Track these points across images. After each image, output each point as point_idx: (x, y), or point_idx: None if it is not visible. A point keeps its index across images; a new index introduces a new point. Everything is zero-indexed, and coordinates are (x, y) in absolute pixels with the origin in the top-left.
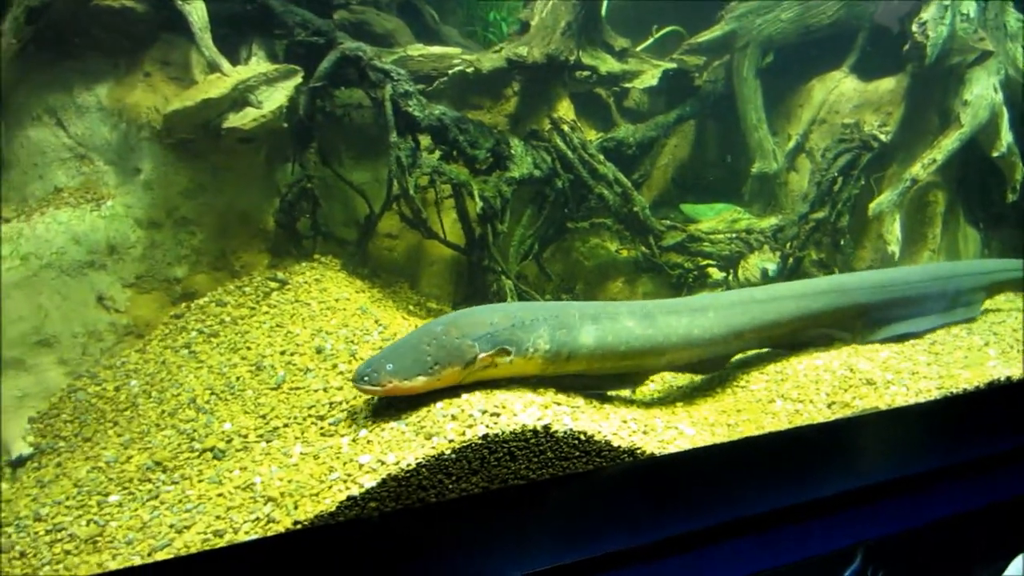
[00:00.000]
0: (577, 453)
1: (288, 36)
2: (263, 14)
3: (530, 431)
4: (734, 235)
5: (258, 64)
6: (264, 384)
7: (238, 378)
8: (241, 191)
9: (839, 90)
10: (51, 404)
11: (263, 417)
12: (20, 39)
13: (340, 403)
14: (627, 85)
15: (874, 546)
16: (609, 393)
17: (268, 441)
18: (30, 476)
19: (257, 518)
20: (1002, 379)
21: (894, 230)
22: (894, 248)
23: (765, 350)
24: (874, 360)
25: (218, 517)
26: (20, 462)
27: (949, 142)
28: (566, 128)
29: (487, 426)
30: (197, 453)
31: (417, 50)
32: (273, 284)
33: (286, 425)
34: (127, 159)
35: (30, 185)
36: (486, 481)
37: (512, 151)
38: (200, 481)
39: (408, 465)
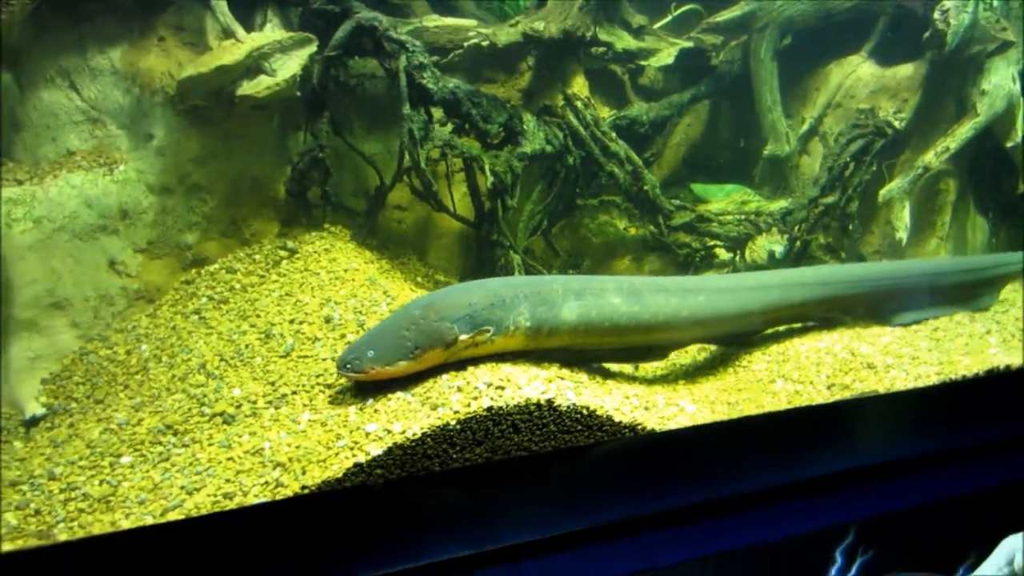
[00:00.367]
0: (579, 427)
1: (303, 4)
2: None
3: (534, 404)
4: (743, 217)
5: (272, 32)
6: (273, 352)
7: (247, 345)
8: (253, 159)
9: (856, 75)
10: (63, 366)
11: (272, 384)
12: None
13: None
14: (643, 63)
15: (867, 524)
16: (613, 369)
17: (277, 408)
18: (44, 436)
19: (266, 482)
20: (1002, 367)
21: (903, 217)
22: (902, 235)
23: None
24: (876, 344)
25: (228, 480)
26: (33, 422)
27: (964, 131)
28: (579, 105)
29: (492, 398)
30: (207, 418)
31: (433, 21)
32: (283, 253)
33: (294, 392)
34: (140, 124)
35: (43, 147)
36: (490, 452)
37: (524, 126)
38: (210, 445)
39: (414, 434)
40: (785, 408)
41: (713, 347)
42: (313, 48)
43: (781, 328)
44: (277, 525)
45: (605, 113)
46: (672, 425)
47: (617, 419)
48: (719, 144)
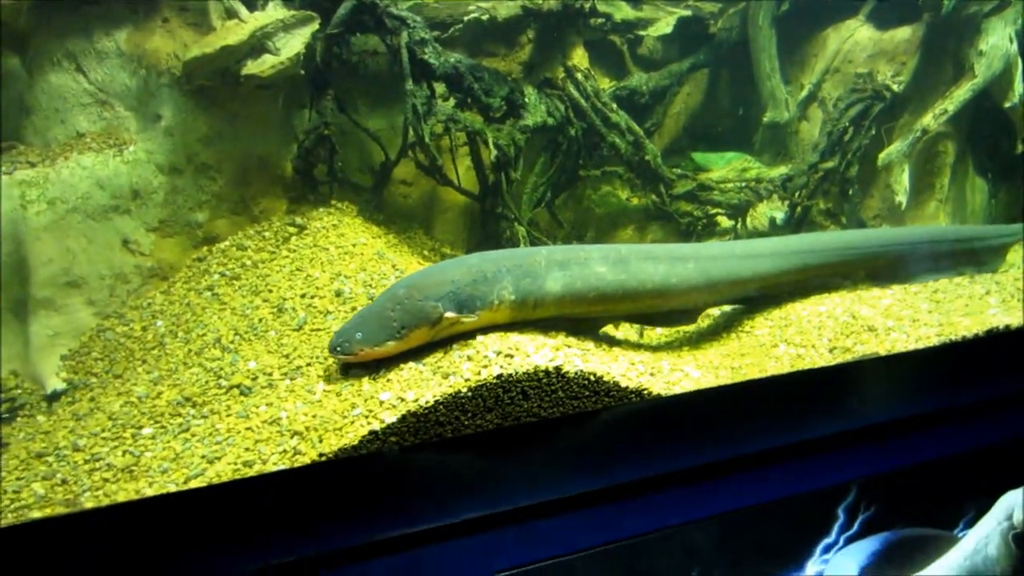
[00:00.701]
0: (587, 393)
1: None
2: None
3: (542, 371)
4: (744, 184)
5: (275, 10)
6: (286, 325)
7: (260, 319)
8: (259, 138)
9: (854, 39)
10: (81, 343)
11: (286, 357)
12: None
13: None
14: (641, 33)
15: (868, 483)
16: (618, 336)
17: (292, 379)
18: (66, 410)
19: (284, 450)
20: (1001, 327)
21: (902, 180)
22: (902, 198)
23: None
24: (876, 307)
25: (247, 449)
26: (55, 397)
27: (962, 92)
28: (580, 76)
29: (501, 366)
30: (224, 390)
31: None
32: (292, 229)
33: (308, 364)
34: (147, 105)
35: (52, 130)
36: (500, 418)
37: (526, 99)
38: (228, 416)
39: (426, 402)
40: (788, 371)
41: (716, 314)
42: (315, 26)
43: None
44: (297, 491)
45: (605, 84)
46: (677, 390)
47: (624, 384)
48: (719, 112)
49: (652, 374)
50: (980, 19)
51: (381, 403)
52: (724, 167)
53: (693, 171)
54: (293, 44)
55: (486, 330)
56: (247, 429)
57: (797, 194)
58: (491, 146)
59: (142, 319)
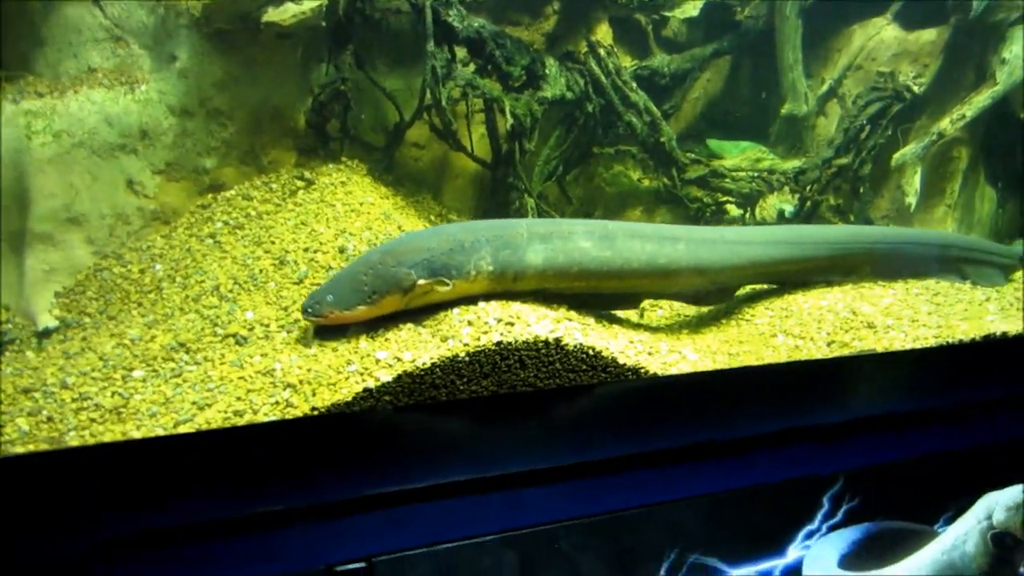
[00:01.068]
0: (584, 367)
1: None
2: None
3: (542, 342)
4: (756, 174)
5: None
6: (286, 278)
7: (261, 270)
8: (275, 87)
9: (879, 37)
10: (77, 281)
11: (285, 309)
12: None
13: None
14: (667, 13)
15: (856, 474)
16: (619, 315)
17: (289, 332)
18: (56, 347)
19: (276, 402)
20: (998, 334)
21: (914, 182)
22: (911, 200)
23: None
24: (877, 305)
25: (239, 398)
26: (46, 334)
27: (981, 99)
28: (602, 52)
29: (501, 334)
30: (220, 338)
31: None
32: (300, 183)
33: None
34: (163, 45)
35: (64, 63)
36: (495, 385)
37: (547, 71)
38: (222, 364)
39: (423, 364)
40: (784, 361)
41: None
42: None
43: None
44: (287, 442)
45: (627, 62)
46: (674, 371)
47: (621, 362)
48: (737, 100)
49: (650, 354)
50: (1006, 27)
51: (377, 361)
52: (738, 155)
53: (707, 157)
54: None
55: (488, 297)
56: (240, 378)
57: (808, 188)
58: (508, 115)
59: (141, 261)
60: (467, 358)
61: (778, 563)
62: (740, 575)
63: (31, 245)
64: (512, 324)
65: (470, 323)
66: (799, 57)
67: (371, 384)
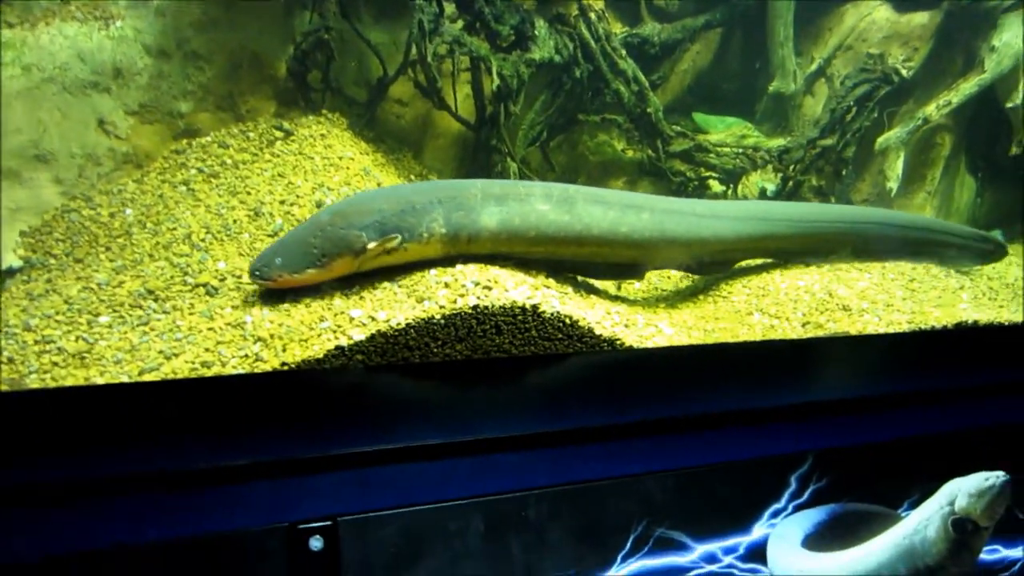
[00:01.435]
0: (560, 335)
1: None
2: None
3: (519, 308)
4: (741, 150)
5: None
6: (261, 230)
7: (235, 221)
8: (255, 32)
9: (871, 18)
10: (43, 221)
11: None
12: None
13: None
14: None
15: (823, 455)
16: (596, 285)
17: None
18: (20, 288)
19: (245, 355)
20: (969, 322)
21: (896, 167)
22: (892, 184)
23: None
24: (853, 288)
25: (207, 349)
26: (10, 273)
27: (968, 86)
28: (593, 17)
29: (478, 297)
30: (190, 287)
31: None
32: (278, 133)
33: None
34: None
35: None
36: (470, 350)
37: (536, 32)
38: (191, 314)
39: (398, 324)
40: (759, 340)
41: (696, 276)
42: None
43: (769, 261)
44: (254, 396)
45: (618, 29)
46: (649, 344)
47: (598, 332)
48: (725, 75)
49: (626, 326)
50: (998, 14)
51: (351, 320)
52: (723, 131)
53: (692, 131)
54: None
55: (467, 259)
56: (209, 329)
57: (792, 168)
58: (494, 75)
59: (111, 205)
60: (442, 321)
61: (743, 540)
62: (705, 550)
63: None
64: (490, 288)
65: (447, 285)
66: (790, 34)
67: (344, 342)
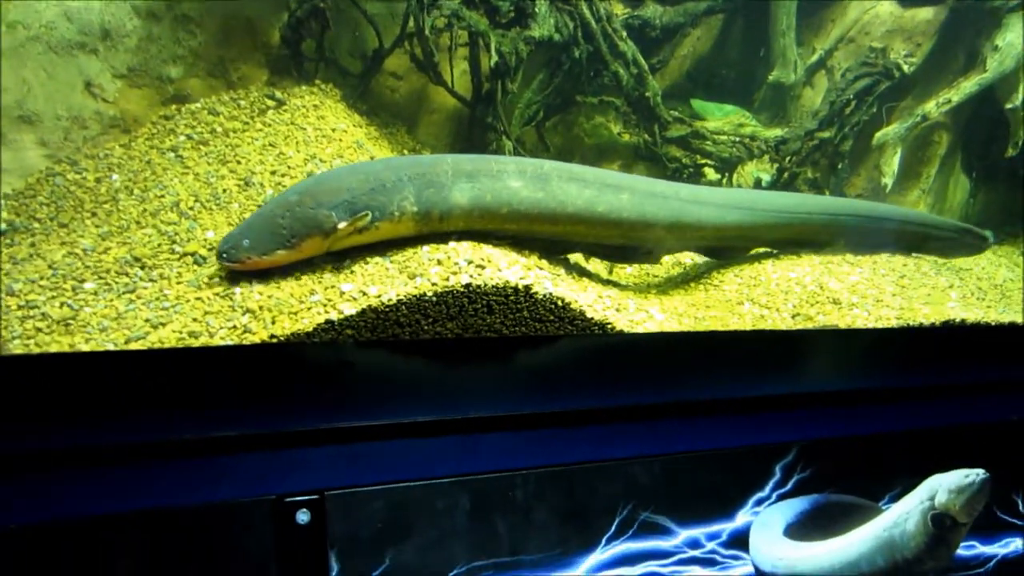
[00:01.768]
0: (552, 317)
1: None
2: None
3: (511, 288)
4: (738, 139)
5: None
6: (251, 200)
7: (225, 190)
8: None
9: (875, 11)
10: (28, 184)
11: None
12: None
13: None
14: None
15: (808, 446)
16: (589, 268)
17: None
18: (3, 251)
19: (234, 326)
20: (957, 320)
21: (892, 163)
22: (888, 181)
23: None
24: (844, 282)
25: (195, 319)
26: None
27: (969, 84)
28: None
29: (471, 276)
30: (178, 256)
31: None
32: (270, 102)
33: None
34: None
35: None
36: (460, 328)
37: (536, 9)
38: (179, 283)
39: (389, 300)
40: (749, 329)
41: (687, 263)
42: None
43: (761, 250)
44: (242, 369)
45: (619, 10)
46: (640, 329)
47: (589, 315)
48: (725, 62)
49: (618, 310)
50: (1003, 13)
51: (342, 294)
52: (721, 119)
53: (689, 117)
54: None
55: (460, 236)
56: (197, 299)
57: (788, 159)
58: (492, 52)
59: (97, 170)
60: (434, 298)
61: (726, 527)
62: (689, 535)
63: None
64: (482, 267)
65: (439, 262)
66: (792, 23)
67: (334, 316)
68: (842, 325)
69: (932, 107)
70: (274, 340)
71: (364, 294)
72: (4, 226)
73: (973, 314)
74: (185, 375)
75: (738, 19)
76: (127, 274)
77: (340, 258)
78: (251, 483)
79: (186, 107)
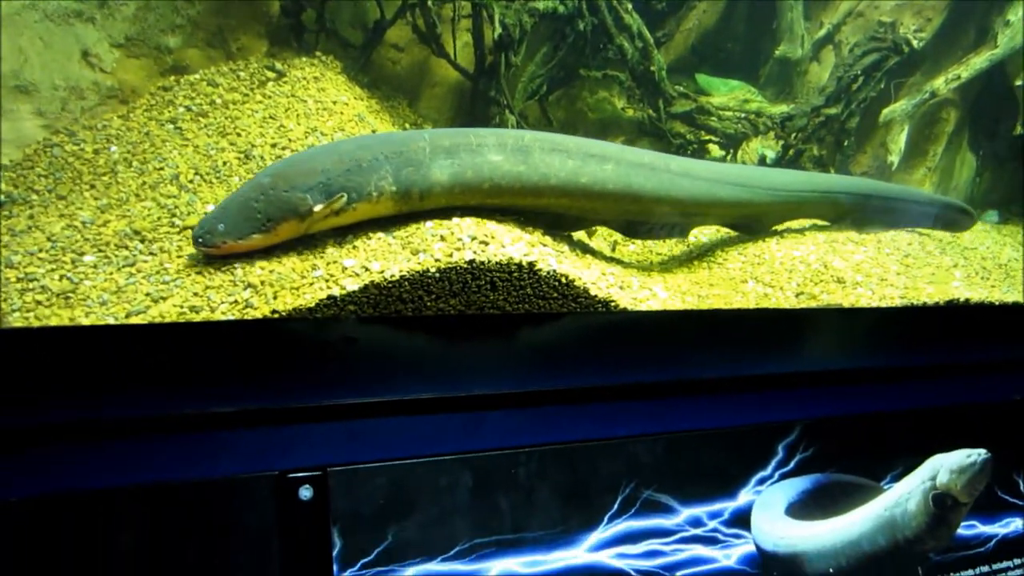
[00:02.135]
0: (555, 295)
1: None
2: None
3: (515, 265)
4: (743, 115)
5: None
6: (252, 173)
7: (224, 163)
8: None
9: None
10: (25, 155)
11: None
12: None
13: None
14: None
15: (811, 425)
16: (592, 246)
17: None
18: (1, 223)
19: (235, 301)
20: (961, 300)
21: (899, 140)
22: (894, 158)
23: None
24: (849, 260)
25: (196, 294)
26: None
27: (979, 60)
28: None
29: (475, 252)
30: (178, 229)
31: None
32: (270, 73)
33: None
34: None
35: None
36: (463, 305)
37: None
38: (179, 257)
39: (392, 276)
40: (752, 308)
41: (691, 241)
42: None
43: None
44: (244, 344)
45: None
46: (643, 307)
47: (593, 293)
48: (731, 36)
49: (622, 287)
50: None
51: (344, 269)
52: (726, 94)
53: (694, 92)
54: None
55: (464, 212)
56: (198, 274)
57: (794, 135)
58: (496, 24)
59: (95, 141)
60: (437, 274)
61: (729, 505)
62: (691, 514)
63: None
64: (486, 243)
65: (443, 238)
66: None
67: (336, 292)
68: (846, 304)
69: (941, 83)
70: (276, 315)
71: (367, 270)
72: (3, 198)
73: (977, 294)
74: (186, 350)
75: None
76: (127, 247)
77: (343, 233)
78: (253, 458)
79: (185, 78)
